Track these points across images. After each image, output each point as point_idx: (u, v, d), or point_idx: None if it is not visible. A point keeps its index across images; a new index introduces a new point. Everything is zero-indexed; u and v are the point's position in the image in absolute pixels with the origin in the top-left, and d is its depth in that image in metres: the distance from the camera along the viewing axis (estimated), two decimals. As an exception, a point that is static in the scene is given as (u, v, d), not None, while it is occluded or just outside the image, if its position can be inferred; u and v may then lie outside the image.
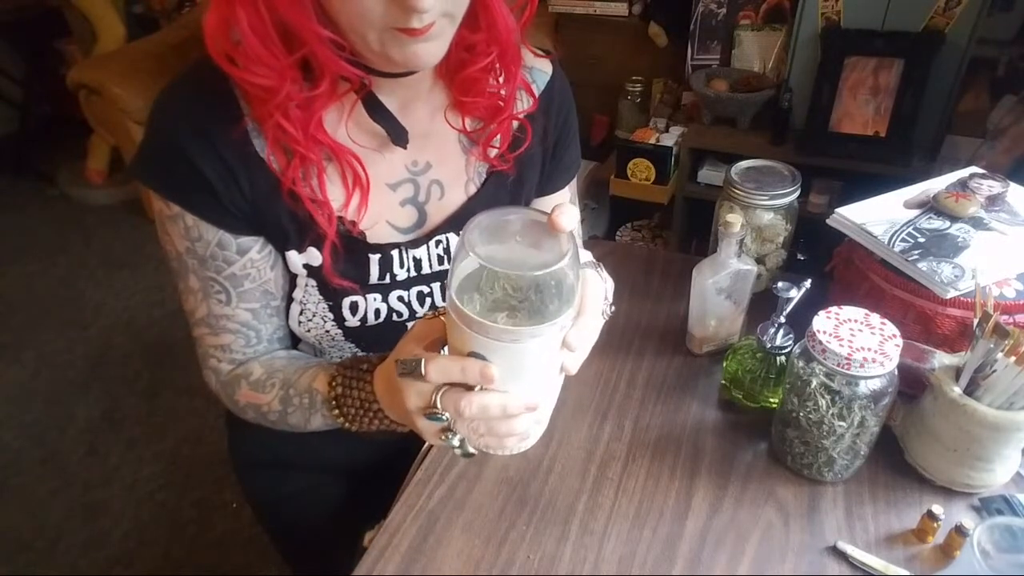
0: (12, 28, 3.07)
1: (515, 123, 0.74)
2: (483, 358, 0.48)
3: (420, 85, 0.69)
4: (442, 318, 0.53)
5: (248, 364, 0.72)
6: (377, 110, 0.66)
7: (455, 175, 0.74)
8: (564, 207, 0.46)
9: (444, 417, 0.52)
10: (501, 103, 0.71)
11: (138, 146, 0.65)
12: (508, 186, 0.77)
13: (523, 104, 0.74)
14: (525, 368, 0.49)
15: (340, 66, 0.58)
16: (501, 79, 0.70)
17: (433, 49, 0.58)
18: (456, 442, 0.54)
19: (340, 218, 0.67)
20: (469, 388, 0.50)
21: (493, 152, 0.74)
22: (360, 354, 0.77)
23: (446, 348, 0.53)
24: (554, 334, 0.48)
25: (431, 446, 0.79)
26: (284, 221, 0.66)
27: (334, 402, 0.64)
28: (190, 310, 0.71)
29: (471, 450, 0.55)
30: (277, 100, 0.58)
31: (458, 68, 0.68)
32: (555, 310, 0.47)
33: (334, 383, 0.64)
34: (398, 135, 0.67)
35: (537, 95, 0.75)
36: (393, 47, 0.56)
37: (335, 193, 0.66)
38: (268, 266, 0.70)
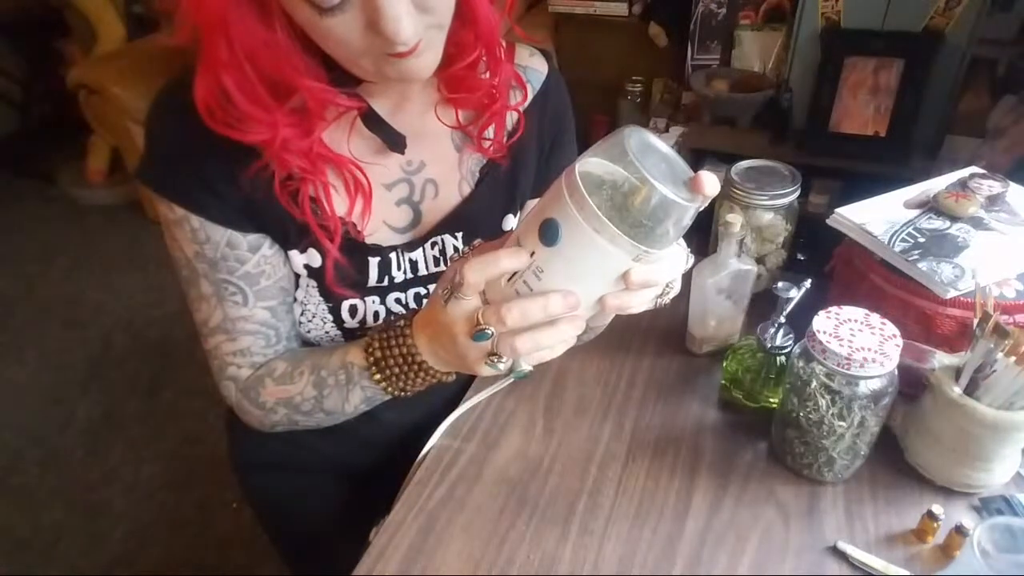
0: (12, 28, 3.07)
1: (510, 117, 0.74)
2: (549, 232, 0.47)
3: (411, 85, 0.69)
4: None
5: (269, 363, 0.71)
6: (375, 123, 0.66)
7: (448, 173, 0.74)
8: (710, 175, 0.45)
9: (490, 331, 0.50)
10: (494, 91, 0.71)
11: (142, 150, 0.66)
12: (503, 187, 0.77)
13: (517, 97, 0.75)
14: (580, 264, 0.48)
15: (335, 103, 0.60)
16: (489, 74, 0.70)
17: (426, 61, 0.58)
18: (503, 366, 0.53)
19: (341, 219, 0.67)
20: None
21: (487, 144, 0.74)
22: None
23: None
24: (624, 256, 0.47)
25: (431, 447, 0.79)
26: (286, 223, 0.66)
27: (374, 367, 0.62)
28: (203, 320, 0.69)
29: (525, 367, 0.54)
30: (276, 146, 0.60)
31: (447, 64, 0.67)
32: (643, 239, 0.46)
33: (371, 348, 0.62)
34: (396, 143, 0.68)
35: (532, 95, 0.76)
36: (387, 68, 0.57)
37: (337, 200, 0.66)
38: (281, 262, 0.69)
